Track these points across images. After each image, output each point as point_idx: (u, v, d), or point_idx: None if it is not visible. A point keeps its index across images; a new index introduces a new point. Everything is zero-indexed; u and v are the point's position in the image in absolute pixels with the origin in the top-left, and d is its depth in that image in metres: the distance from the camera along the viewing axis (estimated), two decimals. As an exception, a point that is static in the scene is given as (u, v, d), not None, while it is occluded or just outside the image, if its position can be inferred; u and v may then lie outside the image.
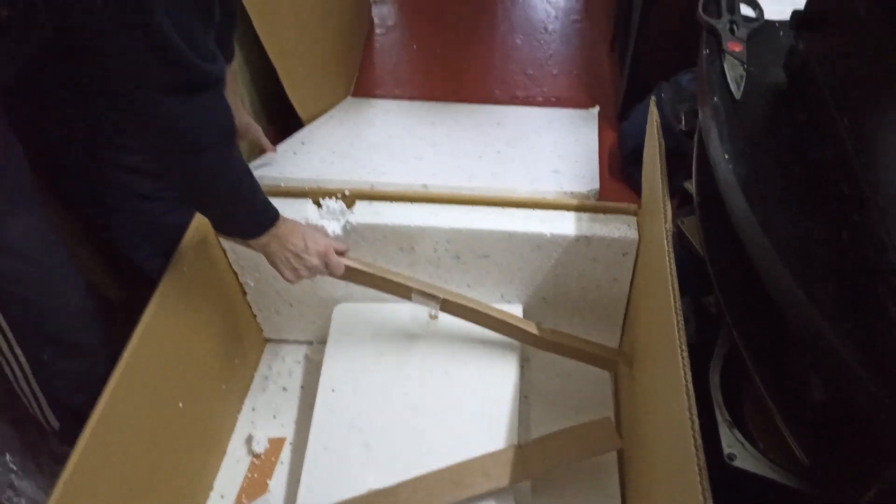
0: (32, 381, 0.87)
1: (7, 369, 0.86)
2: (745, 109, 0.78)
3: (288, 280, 0.90)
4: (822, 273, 0.59)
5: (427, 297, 0.96)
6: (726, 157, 0.72)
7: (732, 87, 0.80)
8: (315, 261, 0.89)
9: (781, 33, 0.86)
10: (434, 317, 1.06)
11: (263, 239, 0.85)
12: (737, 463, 0.69)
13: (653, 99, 0.98)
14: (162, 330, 0.89)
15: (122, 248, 1.01)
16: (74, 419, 0.79)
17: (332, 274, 0.92)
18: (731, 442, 0.70)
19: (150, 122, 0.69)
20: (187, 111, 0.69)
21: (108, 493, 0.78)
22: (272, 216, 0.85)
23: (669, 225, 0.79)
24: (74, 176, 0.95)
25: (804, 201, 0.66)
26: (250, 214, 0.83)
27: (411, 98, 1.71)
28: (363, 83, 1.80)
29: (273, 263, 0.88)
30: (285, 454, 1.06)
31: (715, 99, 0.79)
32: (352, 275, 0.94)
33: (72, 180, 0.96)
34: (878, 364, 0.52)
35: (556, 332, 1.00)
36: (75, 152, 0.91)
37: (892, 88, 0.62)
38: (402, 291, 0.97)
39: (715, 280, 0.78)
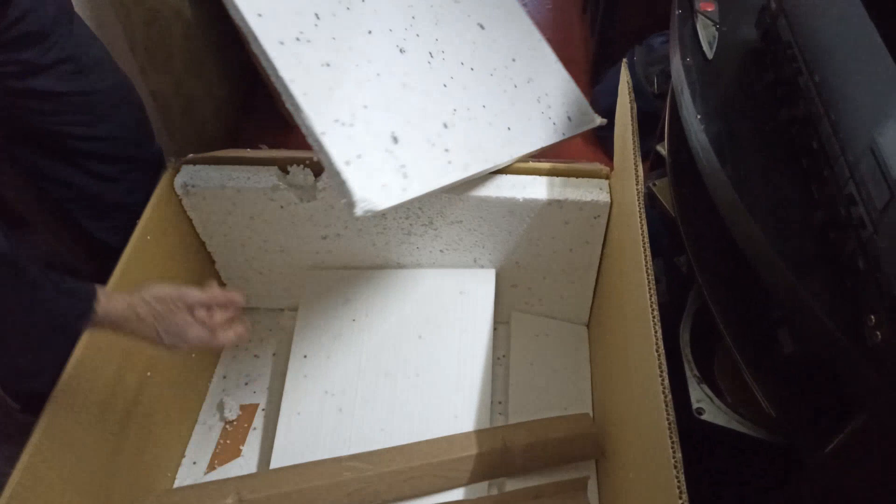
0: None
1: None
2: (717, 69, 0.77)
3: (183, 342, 0.71)
4: (793, 229, 0.60)
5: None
6: (698, 116, 0.72)
7: (705, 46, 0.80)
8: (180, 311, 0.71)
9: (754, -8, 0.86)
10: None
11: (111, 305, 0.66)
12: (705, 417, 0.70)
13: (624, 61, 0.98)
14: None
15: (83, 222, 0.99)
16: (37, 397, 0.77)
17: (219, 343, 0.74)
18: (699, 397, 0.72)
19: None
20: None
21: (75, 463, 0.76)
22: (87, 291, 0.66)
23: (641, 186, 0.79)
24: (32, 155, 0.91)
25: (776, 159, 0.67)
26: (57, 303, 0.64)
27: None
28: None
29: (145, 330, 0.69)
30: (258, 420, 1.05)
31: (687, 59, 0.79)
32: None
33: (30, 158, 0.92)
34: (848, 318, 0.53)
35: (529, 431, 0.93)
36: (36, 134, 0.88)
37: (860, 44, 0.62)
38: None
39: (686, 240, 0.79)
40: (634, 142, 0.81)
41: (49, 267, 0.98)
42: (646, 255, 0.71)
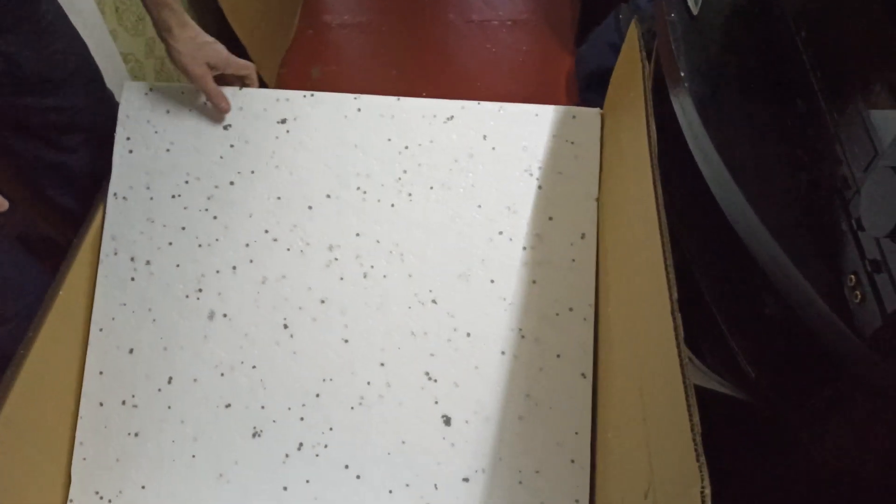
0: None
1: None
2: (702, 26, 0.76)
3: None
4: (776, 190, 0.59)
5: None
6: (682, 75, 0.71)
7: (690, 3, 0.78)
8: None
9: (740, -54, 0.84)
10: None
11: None
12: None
13: (635, 19, 0.94)
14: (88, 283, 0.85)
15: (48, 192, 0.97)
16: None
17: None
18: (681, 358, 0.72)
19: None
20: None
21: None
22: None
23: (654, 147, 0.76)
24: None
25: (761, 119, 0.66)
26: None
27: (360, 23, 1.66)
28: (309, 7, 1.72)
29: None
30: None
31: (672, 16, 0.77)
32: None
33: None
34: (828, 278, 0.52)
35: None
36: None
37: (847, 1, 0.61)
38: None
39: (668, 199, 0.78)
40: (647, 95, 0.77)
41: (24, 238, 0.97)
42: (659, 215, 0.68)
